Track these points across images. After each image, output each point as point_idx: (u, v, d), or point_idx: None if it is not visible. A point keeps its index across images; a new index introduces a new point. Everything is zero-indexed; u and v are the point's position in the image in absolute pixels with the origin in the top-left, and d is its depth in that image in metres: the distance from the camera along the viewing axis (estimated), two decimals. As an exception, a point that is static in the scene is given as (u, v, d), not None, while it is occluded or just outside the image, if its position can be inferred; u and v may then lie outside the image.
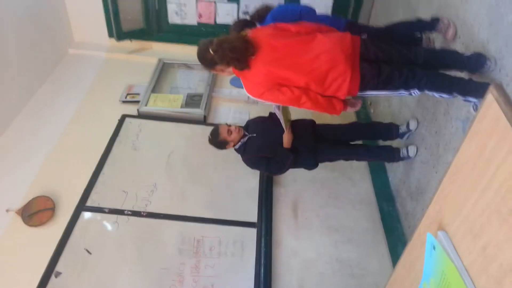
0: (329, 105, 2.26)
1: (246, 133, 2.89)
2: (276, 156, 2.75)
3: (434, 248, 0.88)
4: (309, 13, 2.66)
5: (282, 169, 2.80)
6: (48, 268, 2.53)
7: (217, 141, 2.85)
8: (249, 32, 2.35)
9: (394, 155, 2.90)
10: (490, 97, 0.74)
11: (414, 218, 2.82)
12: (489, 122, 0.75)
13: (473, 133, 0.80)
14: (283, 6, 2.97)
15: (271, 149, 2.78)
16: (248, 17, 2.92)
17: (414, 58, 2.18)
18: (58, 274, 2.52)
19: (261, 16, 2.77)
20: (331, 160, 2.93)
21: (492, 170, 0.73)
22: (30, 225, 2.79)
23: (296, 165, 2.81)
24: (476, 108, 2.15)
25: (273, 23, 2.36)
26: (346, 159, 3.00)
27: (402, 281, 1.11)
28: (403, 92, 2.20)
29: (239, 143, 2.86)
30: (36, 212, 2.85)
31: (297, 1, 4.28)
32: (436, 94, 2.20)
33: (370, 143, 3.21)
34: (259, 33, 2.31)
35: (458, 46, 2.38)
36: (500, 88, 0.72)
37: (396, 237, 2.93)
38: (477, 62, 2.08)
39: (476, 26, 2.22)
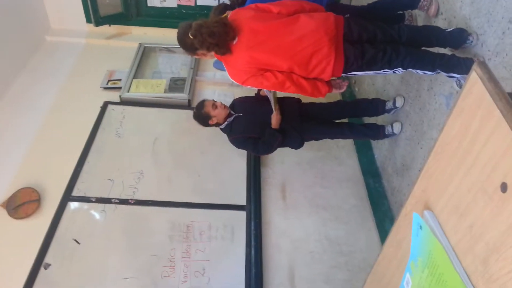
0: (314, 88, 2.26)
1: (232, 112, 2.86)
2: (264, 137, 2.74)
3: (420, 227, 0.89)
4: None
5: (270, 150, 2.80)
6: (37, 260, 2.51)
7: (200, 113, 2.81)
8: (229, 14, 2.28)
9: (379, 132, 2.92)
10: (474, 75, 0.73)
11: (400, 193, 2.87)
12: (473, 100, 0.74)
13: (457, 111, 0.80)
14: None
15: (258, 129, 2.76)
16: (228, 1, 2.87)
17: (398, 37, 2.17)
18: (47, 265, 2.50)
19: (240, 3, 2.71)
20: (317, 139, 2.94)
21: (477, 149, 0.73)
22: (16, 218, 2.75)
23: (282, 144, 2.81)
24: (459, 84, 2.16)
25: (254, 4, 2.28)
26: (332, 138, 3.01)
27: (389, 260, 1.13)
28: (387, 71, 2.21)
29: (225, 123, 2.84)
30: (21, 204, 2.80)
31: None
32: (420, 72, 2.20)
33: (355, 120, 3.22)
34: (239, 16, 2.24)
35: (441, 22, 2.38)
36: (484, 66, 0.72)
37: (383, 212, 2.98)
38: (459, 37, 2.09)
39: (458, 2, 2.21)
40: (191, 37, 2.15)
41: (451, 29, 2.16)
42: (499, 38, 1.91)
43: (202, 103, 2.84)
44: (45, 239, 2.61)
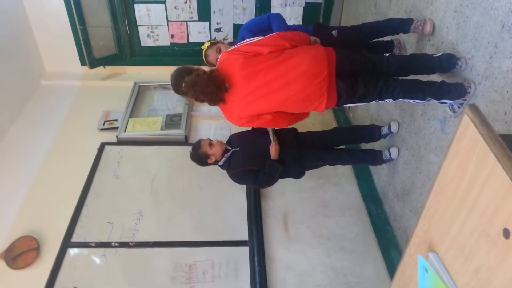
0: (303, 115, 2.38)
1: (229, 148, 2.86)
2: (264, 169, 2.73)
3: (426, 270, 0.87)
4: (277, 17, 2.63)
5: (271, 181, 2.77)
6: (37, 311, 2.45)
7: (198, 154, 2.80)
8: (220, 59, 2.29)
9: (377, 157, 2.92)
10: (466, 118, 0.74)
11: (402, 219, 2.84)
12: (467, 143, 0.74)
13: (452, 153, 0.80)
14: (252, 19, 2.95)
15: (257, 161, 2.76)
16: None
17: (387, 69, 2.21)
18: (48, 317, 2.44)
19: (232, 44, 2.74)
20: (316, 166, 2.93)
21: (476, 192, 0.73)
22: (15, 268, 2.70)
23: (283, 175, 2.80)
24: (452, 109, 2.18)
25: (242, 46, 2.27)
26: (332, 164, 3.01)
27: (398, 302, 1.10)
28: (378, 101, 2.25)
29: (223, 159, 2.83)
30: (20, 254, 2.75)
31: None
32: (411, 101, 2.24)
33: (353, 147, 3.22)
34: (229, 64, 2.22)
35: (428, 49, 2.42)
36: (475, 109, 0.72)
37: (387, 240, 2.94)
38: (448, 63, 2.12)
39: (444, 28, 2.26)
40: (185, 89, 2.17)
41: (439, 54, 2.20)
42: (487, 62, 1.94)
43: (198, 144, 2.84)
44: (46, 288, 2.55)
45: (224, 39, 4.37)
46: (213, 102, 2.21)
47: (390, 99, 2.21)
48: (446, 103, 2.15)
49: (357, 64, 2.20)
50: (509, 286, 0.66)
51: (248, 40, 2.27)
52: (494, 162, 0.66)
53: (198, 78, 2.13)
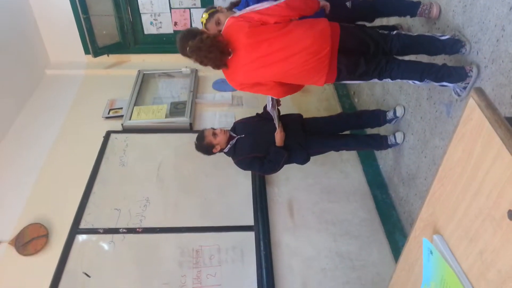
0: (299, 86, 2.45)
1: (234, 135, 2.86)
2: (269, 155, 2.74)
3: (431, 252, 0.88)
4: None
5: (276, 168, 2.78)
6: (48, 296, 2.50)
7: (203, 144, 2.81)
8: (226, 25, 2.29)
9: (382, 142, 2.92)
10: (472, 102, 0.74)
11: (407, 203, 2.85)
12: (473, 126, 0.74)
13: (458, 136, 0.80)
14: None
15: (263, 148, 2.76)
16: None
17: (390, 49, 2.20)
18: (59, 302, 2.49)
19: (235, 4, 2.67)
20: (322, 152, 2.94)
21: (481, 175, 0.73)
22: (25, 255, 2.75)
23: (288, 161, 2.81)
24: (457, 93, 2.16)
25: (248, 13, 2.24)
26: (337, 150, 3.01)
27: (402, 284, 1.12)
28: (376, 80, 2.26)
29: (228, 146, 2.83)
30: (29, 240, 2.80)
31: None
32: (409, 81, 2.25)
33: (358, 132, 3.22)
34: (234, 31, 2.23)
35: (434, 32, 2.39)
36: (481, 93, 0.72)
37: (392, 224, 2.96)
38: (452, 48, 2.11)
39: (450, 11, 2.23)
40: (189, 53, 2.22)
41: (446, 37, 2.16)
42: (493, 45, 1.92)
43: (202, 134, 2.84)
44: (55, 274, 2.60)
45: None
46: (216, 66, 2.27)
47: (388, 79, 2.22)
48: (446, 86, 2.13)
49: (361, 42, 2.19)
50: (513, 267, 0.66)
51: (255, 7, 2.24)
52: (500, 145, 0.66)
53: (202, 43, 2.18)
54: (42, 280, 2.56)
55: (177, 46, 2.36)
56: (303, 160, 2.86)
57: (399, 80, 2.24)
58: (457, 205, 0.81)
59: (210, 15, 2.53)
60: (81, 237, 2.83)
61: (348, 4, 2.58)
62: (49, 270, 2.62)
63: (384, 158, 3.27)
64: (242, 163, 2.82)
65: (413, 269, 1.04)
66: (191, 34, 2.27)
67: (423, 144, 2.59)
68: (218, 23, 2.50)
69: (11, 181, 3.24)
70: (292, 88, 2.42)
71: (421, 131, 2.62)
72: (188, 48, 2.21)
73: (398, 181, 2.99)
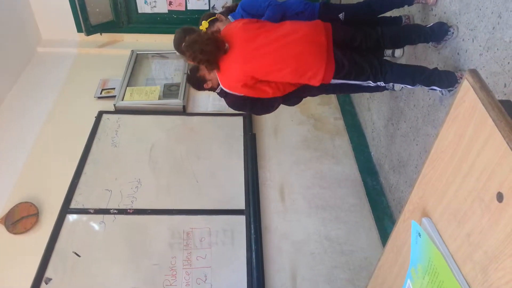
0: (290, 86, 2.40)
1: None
2: (264, 100, 2.61)
3: (419, 235, 0.89)
4: (274, 9, 2.56)
5: (269, 110, 2.68)
6: (37, 275, 2.49)
7: (196, 76, 2.60)
8: (221, 28, 2.37)
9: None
10: (466, 83, 0.73)
11: (397, 190, 2.87)
12: (466, 108, 0.74)
13: (450, 119, 0.80)
14: None
15: None
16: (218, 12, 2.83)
17: (382, 40, 2.28)
18: (48, 280, 2.49)
19: (231, 10, 2.69)
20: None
21: (472, 157, 0.73)
22: (15, 233, 2.74)
23: (283, 102, 2.70)
24: (443, 93, 2.22)
25: (242, 21, 2.34)
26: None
27: (390, 266, 1.13)
28: (371, 83, 2.29)
29: (220, 87, 2.76)
30: (19, 219, 2.79)
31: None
32: (401, 85, 2.31)
33: None
34: (231, 29, 2.31)
35: (431, 19, 2.38)
36: (476, 74, 0.72)
37: (381, 210, 2.99)
38: (440, 30, 2.16)
39: (447, -3, 2.22)
40: (184, 48, 2.22)
41: (431, 24, 2.24)
42: (489, 33, 1.91)
43: (197, 67, 2.63)
44: (45, 253, 2.60)
45: (222, 7, 4.27)
46: (209, 64, 2.25)
47: (382, 82, 2.28)
48: (435, 89, 2.20)
49: (354, 36, 2.25)
50: (498, 249, 0.67)
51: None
52: (492, 127, 0.66)
53: (199, 37, 2.22)
54: (31, 259, 2.56)
55: (173, 41, 2.42)
56: (294, 103, 2.80)
57: (391, 84, 2.31)
58: (446, 188, 0.82)
59: (210, 24, 2.59)
60: (71, 217, 2.82)
61: (340, 16, 2.56)
62: (39, 249, 2.61)
63: (376, 145, 3.28)
64: (233, 105, 2.68)
65: (401, 251, 1.05)
66: (191, 30, 2.34)
67: (415, 132, 2.61)
68: (218, 32, 2.55)
69: (1, 159, 3.20)
70: (291, 87, 2.41)
71: (413, 118, 2.63)
72: (184, 44, 2.23)
73: (389, 168, 3.01)
